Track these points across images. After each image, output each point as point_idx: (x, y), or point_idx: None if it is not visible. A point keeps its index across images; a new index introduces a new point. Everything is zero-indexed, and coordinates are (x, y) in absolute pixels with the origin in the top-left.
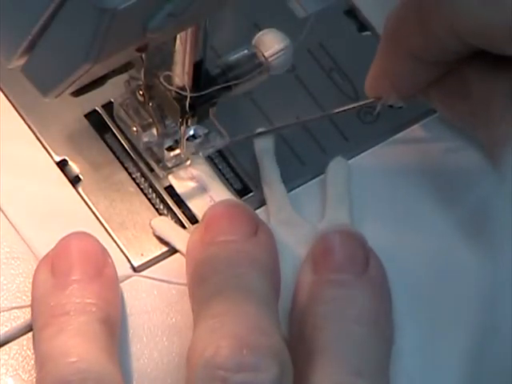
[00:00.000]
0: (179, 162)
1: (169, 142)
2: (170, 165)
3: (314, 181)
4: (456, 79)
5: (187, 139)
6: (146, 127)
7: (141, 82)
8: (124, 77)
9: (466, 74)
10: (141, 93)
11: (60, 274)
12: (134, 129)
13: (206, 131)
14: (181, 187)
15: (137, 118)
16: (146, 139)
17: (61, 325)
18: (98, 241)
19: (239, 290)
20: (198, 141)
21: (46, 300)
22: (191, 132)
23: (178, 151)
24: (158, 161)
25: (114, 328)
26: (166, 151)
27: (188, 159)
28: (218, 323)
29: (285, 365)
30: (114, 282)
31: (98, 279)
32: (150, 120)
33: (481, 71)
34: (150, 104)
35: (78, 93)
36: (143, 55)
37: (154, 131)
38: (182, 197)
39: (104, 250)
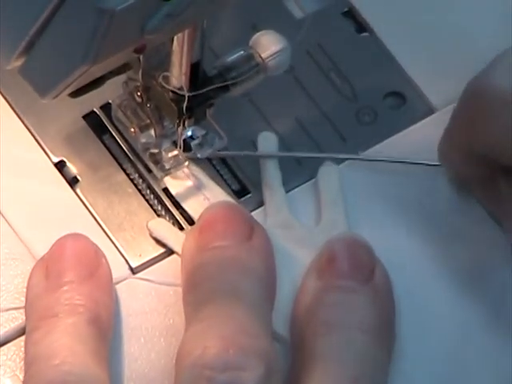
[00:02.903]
0: (177, 164)
1: (167, 143)
2: (167, 166)
3: (311, 182)
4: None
5: (185, 140)
6: (143, 128)
7: (139, 83)
8: (122, 78)
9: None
10: (139, 94)
11: (52, 276)
12: (132, 130)
13: (204, 132)
14: (178, 188)
15: (135, 119)
16: (143, 140)
17: (48, 327)
18: (91, 242)
19: (230, 295)
20: (195, 142)
21: (37, 303)
22: (189, 133)
23: (175, 152)
24: (156, 162)
25: (104, 330)
26: (163, 152)
27: (186, 160)
28: (206, 326)
29: (271, 366)
30: (106, 282)
31: (90, 280)
32: (148, 121)
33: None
34: (148, 105)
35: (76, 94)
36: (141, 56)
37: (152, 132)
38: (179, 198)
39: (98, 251)
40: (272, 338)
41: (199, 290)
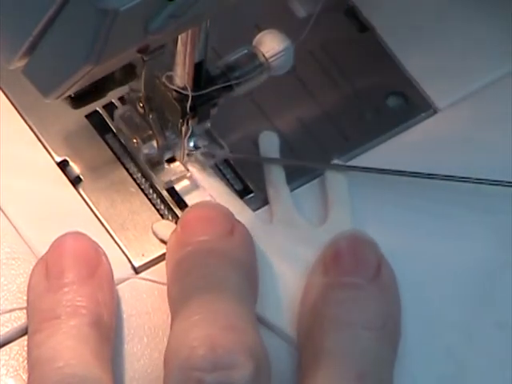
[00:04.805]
0: (179, 175)
1: (169, 155)
2: (169, 177)
3: (314, 181)
4: None
5: (188, 154)
6: (146, 139)
7: (141, 94)
8: (124, 88)
9: None
10: (141, 105)
11: (53, 276)
12: (135, 141)
13: (206, 143)
14: (182, 188)
15: (137, 130)
16: (146, 151)
17: (51, 329)
18: (91, 240)
19: (212, 288)
20: (198, 152)
21: (38, 304)
22: (191, 144)
23: (177, 163)
24: (158, 172)
25: (106, 330)
26: (165, 163)
27: (188, 170)
28: (191, 324)
29: (260, 361)
30: (107, 282)
31: (91, 280)
32: (151, 132)
33: None
34: (150, 116)
35: (77, 104)
36: (143, 65)
37: (155, 143)
38: (183, 197)
39: (98, 249)
40: (258, 329)
41: (181, 286)
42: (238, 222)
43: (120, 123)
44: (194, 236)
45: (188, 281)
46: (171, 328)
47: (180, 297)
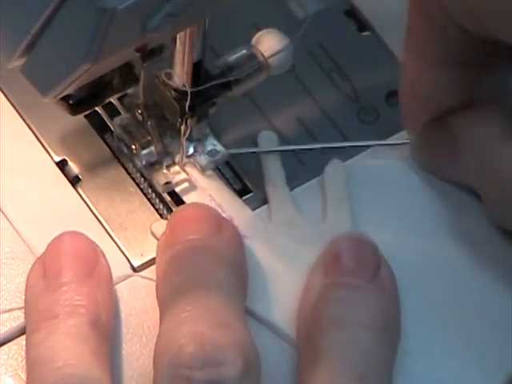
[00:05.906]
0: (179, 180)
1: (168, 161)
2: (170, 181)
3: (313, 181)
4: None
5: (187, 156)
6: (145, 145)
7: (139, 101)
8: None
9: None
10: (139, 111)
11: (50, 276)
12: (134, 147)
13: (206, 149)
14: (180, 187)
15: (136, 136)
16: (145, 157)
17: (49, 329)
18: (89, 239)
19: (201, 286)
20: (197, 157)
21: (36, 304)
22: (191, 150)
23: (177, 168)
24: (158, 178)
25: (105, 330)
26: (165, 169)
27: (188, 175)
28: (179, 321)
29: (250, 358)
30: (106, 281)
31: (89, 280)
32: (149, 138)
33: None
34: (149, 123)
35: (75, 111)
36: (141, 72)
37: (153, 149)
38: (182, 197)
39: (96, 248)
40: (248, 326)
41: (169, 284)
42: (226, 220)
43: (119, 131)
44: (182, 235)
45: (176, 279)
46: (160, 326)
47: (169, 295)
